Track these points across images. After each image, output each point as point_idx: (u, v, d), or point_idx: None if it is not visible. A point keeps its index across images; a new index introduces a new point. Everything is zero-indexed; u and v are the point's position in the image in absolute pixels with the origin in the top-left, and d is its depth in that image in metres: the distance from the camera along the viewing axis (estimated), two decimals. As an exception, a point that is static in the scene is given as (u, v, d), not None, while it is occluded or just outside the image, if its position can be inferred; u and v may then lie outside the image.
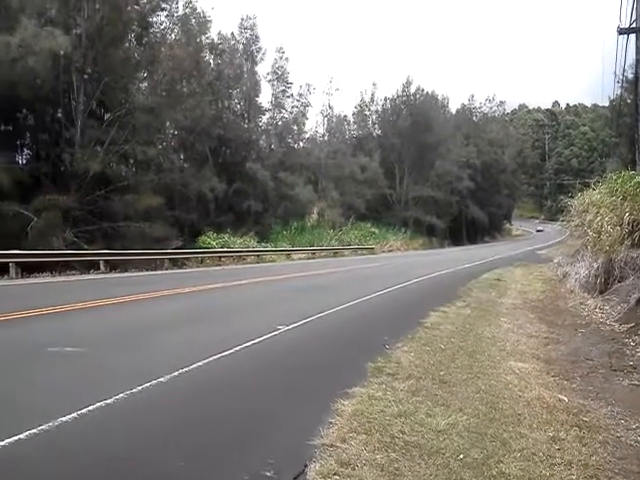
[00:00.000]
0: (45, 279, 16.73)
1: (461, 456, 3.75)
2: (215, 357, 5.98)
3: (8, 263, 16.38)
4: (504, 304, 12.15)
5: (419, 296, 13.58)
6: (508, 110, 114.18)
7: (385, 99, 67.01)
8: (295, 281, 17.30)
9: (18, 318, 8.19)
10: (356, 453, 3.71)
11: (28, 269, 17.28)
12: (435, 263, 27.29)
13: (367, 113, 67.63)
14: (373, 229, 51.46)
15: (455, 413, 4.55)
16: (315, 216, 48.44)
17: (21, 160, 29.00)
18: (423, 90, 66.86)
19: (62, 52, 23.79)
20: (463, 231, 74.06)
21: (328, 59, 79.55)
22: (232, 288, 14.44)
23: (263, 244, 34.99)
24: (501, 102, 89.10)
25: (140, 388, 4.71)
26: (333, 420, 4.29)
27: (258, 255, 31.06)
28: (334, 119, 58.30)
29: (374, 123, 68.31)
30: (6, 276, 16.20)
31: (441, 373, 5.80)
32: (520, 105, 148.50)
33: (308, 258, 34.61)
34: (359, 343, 7.53)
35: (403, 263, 28.78)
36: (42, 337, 6.96)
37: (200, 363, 5.69)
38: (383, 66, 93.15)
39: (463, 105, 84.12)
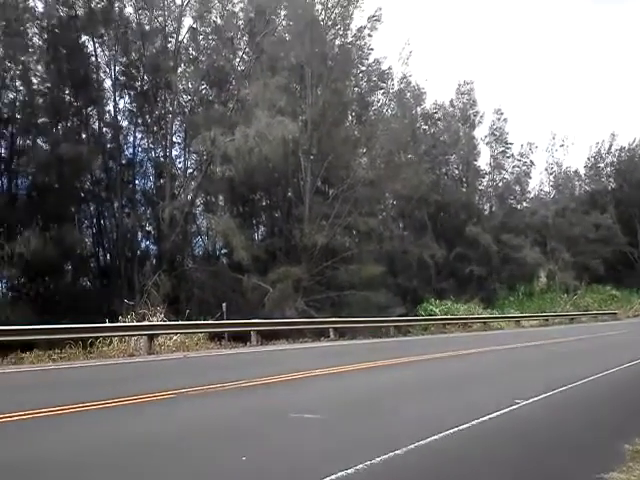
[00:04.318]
0: (281, 346, 17.73)
1: None
2: (450, 431, 5.47)
3: (250, 331, 17.76)
4: None
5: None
6: None
7: (621, 149, 61.06)
8: (528, 350, 15.94)
9: (262, 384, 8.58)
10: None
11: (266, 337, 18.55)
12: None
13: (601, 166, 62.09)
14: (613, 292, 46.18)
15: None
16: (544, 279, 45.18)
17: (257, 237, 32.11)
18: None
19: (291, 137, 26.06)
20: None
21: (552, 114, 75.97)
22: (461, 357, 13.73)
23: (489, 310, 33.43)
24: None
25: (379, 460, 4.44)
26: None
27: (484, 322, 29.62)
28: (561, 175, 54.72)
29: (609, 176, 62.37)
30: (248, 343, 17.54)
31: None
32: None
33: (540, 325, 32.11)
34: (609, 421, 6.40)
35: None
36: (284, 403, 7.13)
37: (436, 437, 5.23)
38: (619, 115, 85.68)
39: None
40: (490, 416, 6.22)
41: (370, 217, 30.44)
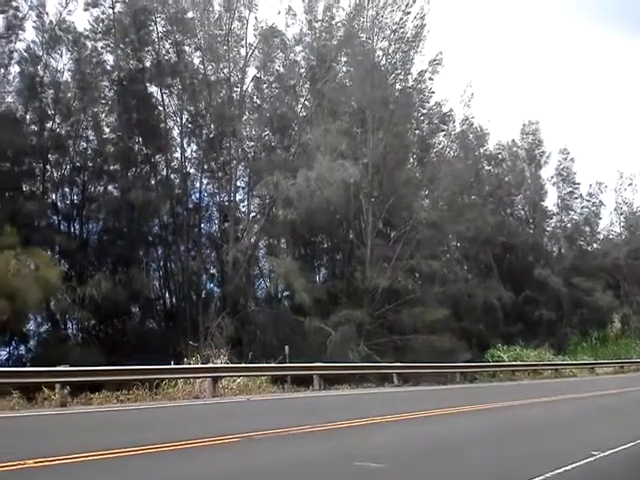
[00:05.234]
0: (344, 391, 17.41)
1: None
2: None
3: (312, 375, 17.54)
4: None
5: None
6: None
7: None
8: (604, 398, 15.02)
9: (326, 429, 8.36)
10: None
11: (329, 380, 18.25)
12: None
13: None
14: (697, 337, 43.17)
15: None
16: (618, 324, 42.85)
17: (319, 279, 32.08)
18: None
19: (352, 180, 26.20)
20: None
21: (620, 151, 73.51)
22: (533, 405, 13.04)
23: (560, 357, 31.86)
24: None
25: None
26: None
27: (556, 369, 28.21)
28: (632, 215, 52.46)
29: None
30: (310, 387, 17.30)
31: None
32: None
33: (615, 372, 30.31)
34: None
35: None
36: (348, 449, 6.90)
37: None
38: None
39: None
40: (565, 468, 5.78)
41: (433, 259, 29.92)
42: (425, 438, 8.07)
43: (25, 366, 21.00)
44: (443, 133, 34.23)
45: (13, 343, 24.39)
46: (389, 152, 28.95)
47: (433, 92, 32.05)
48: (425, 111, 33.33)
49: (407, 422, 9.62)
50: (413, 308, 27.05)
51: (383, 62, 30.17)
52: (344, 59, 30.35)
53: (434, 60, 30.18)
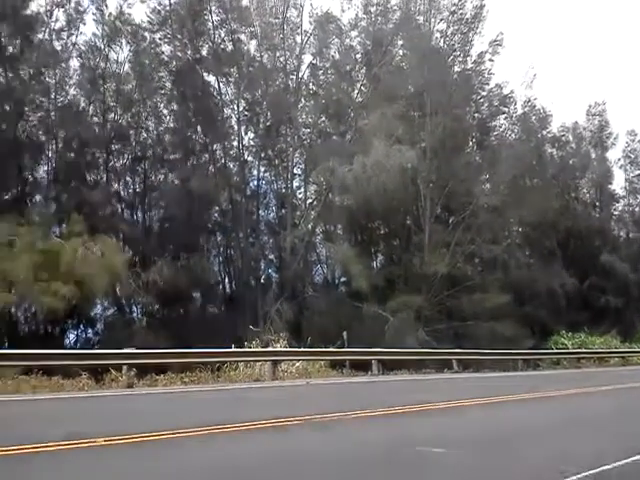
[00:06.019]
0: (403, 376, 17.34)
1: None
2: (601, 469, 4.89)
3: (371, 360, 17.52)
4: None
5: None
6: None
7: None
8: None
9: (387, 414, 8.33)
10: None
11: (387, 366, 18.21)
12: None
13: None
14: None
15: None
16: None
17: (376, 265, 31.93)
18: None
19: (409, 166, 25.86)
20: None
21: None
22: (603, 392, 12.61)
23: (627, 344, 30.69)
24: None
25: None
26: None
27: (623, 357, 27.22)
28: None
29: None
30: (369, 372, 17.30)
31: None
32: None
33: (688, 361, 28.93)
34: None
35: None
36: (409, 435, 6.84)
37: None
38: None
39: None
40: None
41: (494, 245, 29.29)
42: (485, 425, 7.92)
43: (93, 349, 21.86)
44: (504, 116, 33.31)
45: (81, 326, 25.49)
46: (447, 136, 28.36)
47: (493, 74, 31.15)
48: (485, 93, 32.41)
49: (466, 409, 9.47)
50: (473, 294, 26.64)
51: (441, 44, 29.58)
52: (400, 42, 29.87)
53: (494, 41, 29.36)
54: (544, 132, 37.40)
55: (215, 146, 29.26)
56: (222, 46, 28.47)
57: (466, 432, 7.19)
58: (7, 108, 24.05)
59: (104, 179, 27.21)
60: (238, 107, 29.52)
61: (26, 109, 25.19)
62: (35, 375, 12.61)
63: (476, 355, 21.60)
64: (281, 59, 29.19)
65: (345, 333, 19.36)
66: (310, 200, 30.56)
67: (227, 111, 29.74)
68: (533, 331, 29.57)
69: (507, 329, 25.87)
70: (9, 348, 20.16)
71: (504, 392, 11.66)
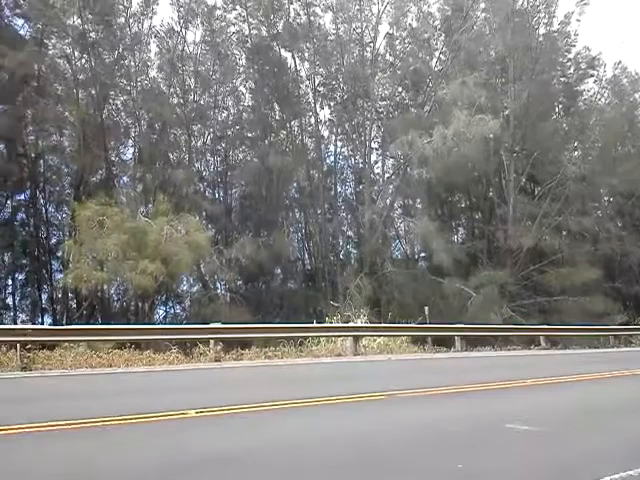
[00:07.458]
0: (487, 353, 16.90)
1: None
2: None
3: (454, 336, 17.20)
4: None
5: None
6: None
7: None
8: None
9: (472, 390, 8.13)
10: None
11: (471, 342, 17.81)
12: None
13: None
14: None
15: None
16: None
17: (457, 239, 31.22)
18: None
19: (492, 135, 24.95)
20: None
21: None
22: None
23: None
24: None
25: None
26: None
27: None
28: None
29: None
30: (452, 348, 17.00)
31: None
32: None
33: None
34: None
35: None
36: (496, 412, 6.63)
37: None
38: None
39: None
40: None
41: (583, 216, 27.92)
42: (575, 403, 7.55)
43: (181, 324, 22.69)
44: (593, 79, 31.50)
45: (169, 303, 26.55)
46: (532, 102, 27.13)
47: (579, 35, 29.38)
48: (571, 56, 30.70)
49: (555, 386, 9.07)
50: (560, 268, 25.61)
51: (525, 6, 28.08)
52: (482, 6, 28.60)
53: (581, 0, 27.54)
54: (636, 96, 34.98)
55: (292, 123, 29.32)
56: (297, 20, 28.28)
57: (556, 410, 6.87)
58: (93, 92, 25.01)
59: (186, 159, 27.94)
60: (314, 82, 29.41)
61: (111, 93, 26.13)
62: (128, 349, 13.20)
63: (565, 331, 20.73)
64: (357, 30, 28.70)
65: (426, 309, 19.08)
66: (388, 174, 30.25)
67: (303, 87, 29.71)
68: (625, 306, 28.15)
69: (597, 304, 24.75)
70: (102, 324, 21.37)
71: (598, 369, 11.09)
